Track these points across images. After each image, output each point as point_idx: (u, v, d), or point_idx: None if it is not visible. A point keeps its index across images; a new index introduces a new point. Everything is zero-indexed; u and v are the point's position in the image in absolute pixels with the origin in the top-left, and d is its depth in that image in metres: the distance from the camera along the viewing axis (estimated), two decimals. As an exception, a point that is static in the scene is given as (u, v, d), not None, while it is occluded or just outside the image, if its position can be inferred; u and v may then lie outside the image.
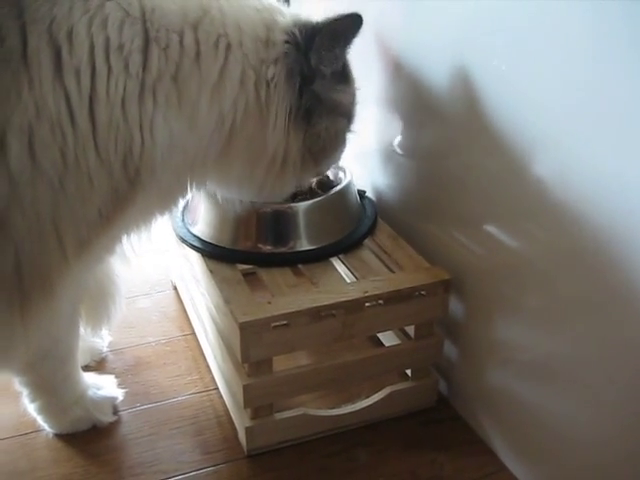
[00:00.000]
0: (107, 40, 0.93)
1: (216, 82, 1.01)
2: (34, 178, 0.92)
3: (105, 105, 0.94)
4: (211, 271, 1.27)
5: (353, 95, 1.20)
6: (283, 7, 1.11)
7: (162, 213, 1.15)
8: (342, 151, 1.25)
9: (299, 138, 1.10)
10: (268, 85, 1.05)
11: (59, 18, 0.91)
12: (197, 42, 0.99)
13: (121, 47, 0.94)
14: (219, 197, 1.27)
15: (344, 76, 1.15)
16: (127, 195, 1.00)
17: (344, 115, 1.18)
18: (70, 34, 0.91)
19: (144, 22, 0.95)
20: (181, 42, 0.97)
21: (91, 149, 0.94)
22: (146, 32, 0.95)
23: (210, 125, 1.03)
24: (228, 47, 1.01)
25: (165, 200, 1.12)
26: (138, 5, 0.96)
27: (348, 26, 1.08)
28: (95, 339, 1.49)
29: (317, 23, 1.08)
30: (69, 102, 0.92)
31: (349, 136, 1.23)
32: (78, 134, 0.93)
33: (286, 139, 1.09)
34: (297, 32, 1.06)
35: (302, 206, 1.31)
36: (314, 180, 1.38)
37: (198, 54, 0.99)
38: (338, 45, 1.09)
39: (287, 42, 1.06)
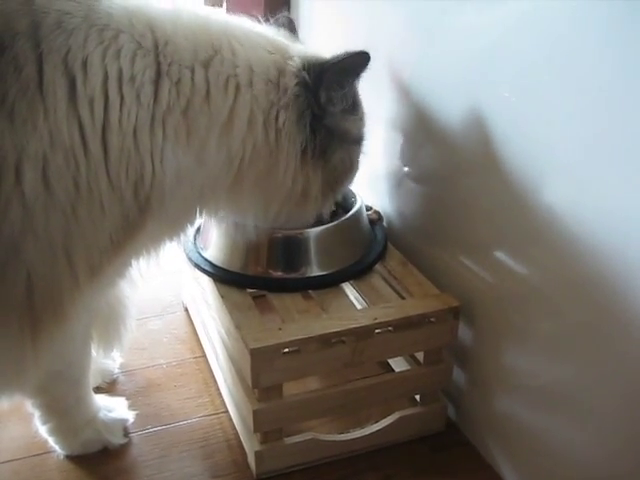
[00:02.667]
0: (120, 71, 0.95)
1: (225, 122, 1.02)
2: (47, 205, 0.93)
3: (117, 134, 0.95)
4: (222, 296, 1.28)
5: (362, 119, 1.21)
6: (292, 43, 1.13)
7: (171, 239, 1.16)
8: (356, 174, 1.26)
9: (318, 175, 1.12)
10: (278, 130, 1.06)
11: (74, 48, 0.93)
12: (207, 81, 1.00)
13: (133, 78, 0.95)
14: (232, 222, 1.29)
15: (354, 107, 1.17)
16: (137, 221, 1.01)
17: (356, 142, 1.20)
18: (85, 64, 0.93)
19: (157, 54, 0.97)
20: (192, 78, 0.99)
21: (103, 176, 0.96)
22: (158, 64, 0.97)
23: (219, 162, 1.04)
24: (237, 88, 1.02)
25: (174, 227, 1.14)
26: (151, 37, 0.97)
27: (356, 64, 1.09)
28: (106, 360, 1.50)
29: (325, 61, 1.09)
30: (82, 131, 0.93)
31: (362, 158, 1.25)
32: (91, 162, 0.94)
33: (305, 176, 1.11)
34: (306, 74, 1.08)
35: (313, 232, 1.32)
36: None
37: (208, 93, 1.00)
38: (346, 82, 1.11)
39: (297, 85, 1.07)
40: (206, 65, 1.00)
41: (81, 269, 0.99)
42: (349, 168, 1.20)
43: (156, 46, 0.97)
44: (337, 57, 1.08)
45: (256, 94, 1.04)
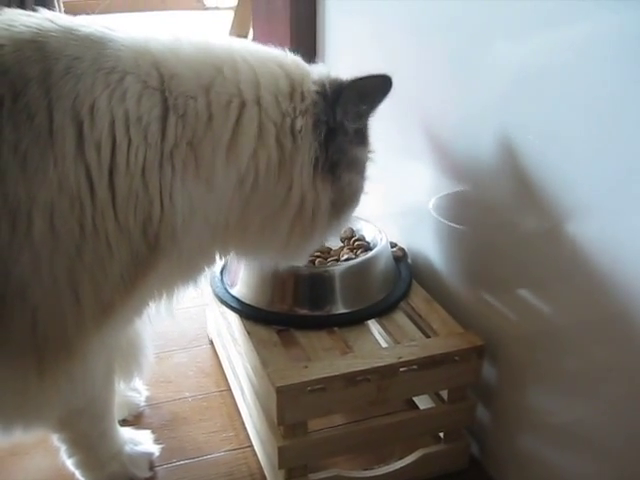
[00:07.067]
0: (126, 113, 0.95)
1: (229, 141, 1.01)
2: (52, 248, 0.94)
3: (125, 175, 0.96)
4: (249, 332, 1.29)
5: (368, 156, 1.20)
6: (309, 64, 1.13)
7: (185, 283, 1.14)
8: (356, 207, 1.24)
9: (327, 190, 1.10)
10: (294, 136, 1.05)
11: (82, 94, 0.93)
12: (209, 105, 1.00)
13: (140, 118, 0.96)
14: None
15: (364, 136, 1.16)
16: (148, 260, 1.01)
17: (362, 173, 1.18)
18: (92, 109, 0.94)
19: (163, 91, 0.98)
20: (195, 107, 0.99)
21: (110, 218, 0.96)
22: (165, 101, 0.97)
23: (229, 186, 1.04)
24: (242, 105, 1.02)
25: (188, 267, 1.12)
26: (157, 74, 0.98)
27: (376, 86, 1.08)
28: (132, 393, 1.51)
29: (346, 79, 1.09)
30: (89, 175, 0.94)
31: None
32: (97, 205, 0.95)
33: (314, 190, 1.09)
34: (327, 84, 1.08)
35: (338, 270, 1.34)
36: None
37: (210, 117, 1.00)
38: (364, 103, 1.09)
39: (317, 92, 1.07)
40: (208, 89, 1.00)
41: (89, 308, 1.00)
42: (355, 195, 1.18)
43: (162, 82, 0.98)
44: (359, 76, 1.07)
45: (265, 107, 1.03)
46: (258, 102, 1.03)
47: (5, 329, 0.97)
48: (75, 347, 1.02)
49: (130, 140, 0.95)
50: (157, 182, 0.98)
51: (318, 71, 1.10)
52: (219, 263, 1.43)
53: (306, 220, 1.11)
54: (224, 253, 1.18)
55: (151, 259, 1.01)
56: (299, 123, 1.05)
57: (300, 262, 1.27)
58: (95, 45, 0.97)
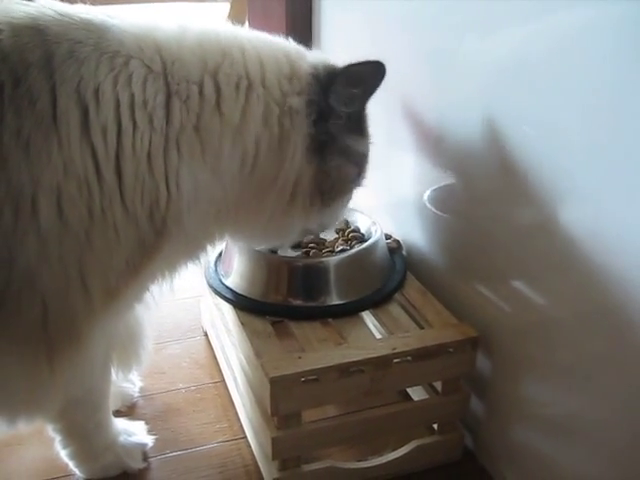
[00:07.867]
0: (132, 97, 0.95)
1: (238, 124, 1.02)
2: (61, 234, 0.94)
3: (131, 160, 0.96)
4: (243, 323, 1.29)
5: (367, 148, 1.21)
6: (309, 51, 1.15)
7: (190, 261, 1.16)
8: (347, 202, 1.26)
9: (311, 170, 1.11)
10: (291, 115, 1.06)
11: (86, 77, 0.93)
12: (217, 88, 1.01)
13: (145, 103, 0.96)
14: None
15: (361, 128, 1.17)
16: (154, 244, 1.02)
17: (355, 164, 1.18)
18: (97, 92, 0.94)
19: (165, 76, 0.98)
20: (201, 92, 1.00)
21: (117, 203, 0.96)
22: (167, 86, 0.98)
23: (233, 167, 1.04)
24: (249, 87, 1.03)
25: (192, 248, 1.14)
26: (159, 60, 0.98)
27: (369, 72, 1.10)
28: (126, 384, 1.51)
29: (340, 65, 1.11)
30: (96, 159, 0.94)
31: (356, 189, 1.24)
32: (105, 189, 0.95)
33: (299, 168, 1.10)
34: (321, 68, 1.10)
35: (333, 261, 1.33)
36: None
37: (219, 100, 1.01)
38: (357, 88, 1.11)
39: (312, 75, 1.09)
40: (215, 72, 1.01)
41: (96, 294, 1.00)
42: (343, 183, 1.18)
43: (164, 68, 0.98)
44: (351, 63, 1.09)
45: (269, 87, 1.05)
46: (263, 83, 1.05)
47: (13, 317, 0.97)
48: (83, 333, 1.02)
49: (135, 124, 0.96)
50: (162, 167, 0.98)
51: (314, 56, 1.13)
52: (217, 247, 1.43)
53: (287, 197, 1.12)
54: (222, 234, 1.19)
55: (157, 243, 1.02)
56: (295, 103, 1.07)
57: (282, 243, 1.31)
58: (96, 30, 0.97)
